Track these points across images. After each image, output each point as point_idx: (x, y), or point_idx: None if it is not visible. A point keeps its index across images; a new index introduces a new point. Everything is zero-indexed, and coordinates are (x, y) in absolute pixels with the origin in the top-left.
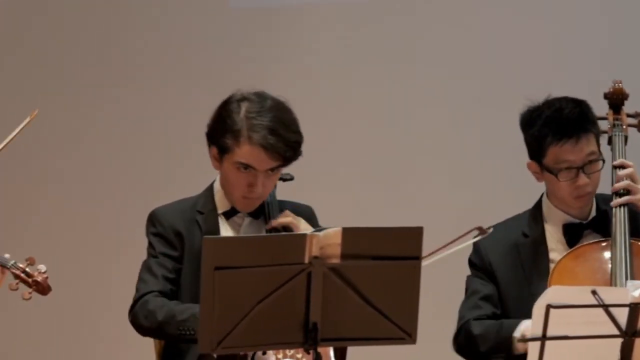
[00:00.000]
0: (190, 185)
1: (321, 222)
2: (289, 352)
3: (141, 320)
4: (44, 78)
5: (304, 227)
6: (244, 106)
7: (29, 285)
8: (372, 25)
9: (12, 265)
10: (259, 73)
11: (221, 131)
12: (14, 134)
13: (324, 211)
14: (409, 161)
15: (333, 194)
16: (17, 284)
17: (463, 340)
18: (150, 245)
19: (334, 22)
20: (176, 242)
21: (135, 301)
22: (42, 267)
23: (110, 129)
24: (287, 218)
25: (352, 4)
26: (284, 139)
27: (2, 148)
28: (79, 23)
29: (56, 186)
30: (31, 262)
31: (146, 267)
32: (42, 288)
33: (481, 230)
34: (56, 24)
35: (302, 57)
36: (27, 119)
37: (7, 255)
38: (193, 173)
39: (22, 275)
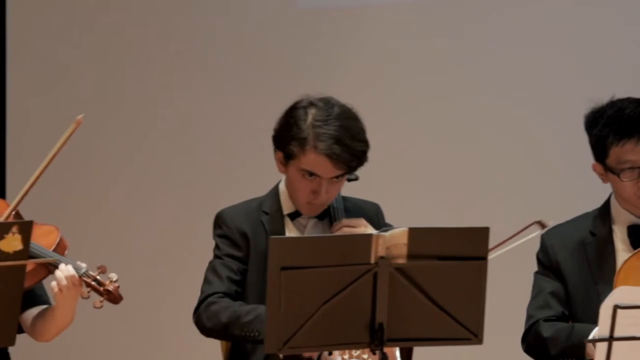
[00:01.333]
0: (256, 187)
1: (387, 220)
2: (355, 353)
3: (205, 321)
4: (104, 80)
5: (362, 227)
6: (311, 113)
7: (101, 294)
8: (441, 25)
9: (84, 273)
10: (327, 73)
11: (287, 137)
12: (62, 140)
13: (389, 210)
14: (472, 160)
15: (398, 192)
16: (88, 292)
17: (532, 341)
18: (217, 246)
19: (401, 22)
20: (242, 243)
21: (200, 302)
22: (114, 276)
23: (176, 131)
24: (341, 224)
25: (421, 3)
26: (350, 148)
27: (53, 156)
28: (143, 25)
29: (125, 192)
30: (102, 270)
31: (211, 269)
32: (114, 297)
33: (541, 224)
34: (119, 27)
35: (369, 58)
36: (73, 126)
37: (79, 263)
38: (259, 174)
39: (94, 283)
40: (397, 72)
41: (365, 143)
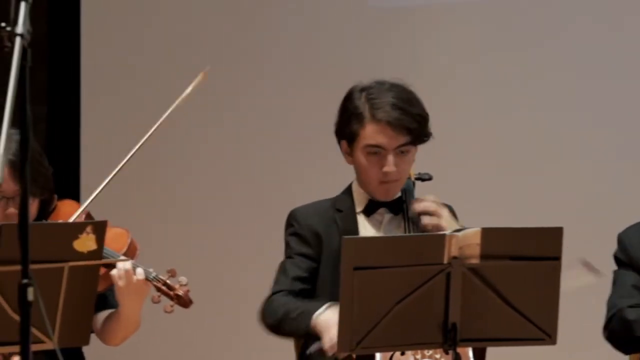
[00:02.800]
0: (329, 188)
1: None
2: (427, 352)
3: (265, 317)
4: (176, 81)
5: (446, 215)
6: (364, 92)
7: (171, 299)
8: (509, 23)
9: (154, 277)
10: (398, 72)
11: (346, 120)
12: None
13: (462, 211)
14: (547, 163)
15: (471, 193)
16: (159, 296)
17: (616, 325)
18: (288, 245)
19: (472, 21)
20: (313, 241)
21: (265, 300)
22: (184, 279)
23: (247, 132)
24: (430, 206)
25: (491, 2)
26: (408, 112)
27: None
28: (212, 24)
29: (194, 194)
30: (172, 274)
31: (281, 268)
32: (184, 301)
33: (588, 265)
34: (189, 26)
35: (440, 57)
36: (199, 78)
37: (149, 269)
38: (332, 175)
39: (164, 288)
40: (470, 72)
41: (423, 110)
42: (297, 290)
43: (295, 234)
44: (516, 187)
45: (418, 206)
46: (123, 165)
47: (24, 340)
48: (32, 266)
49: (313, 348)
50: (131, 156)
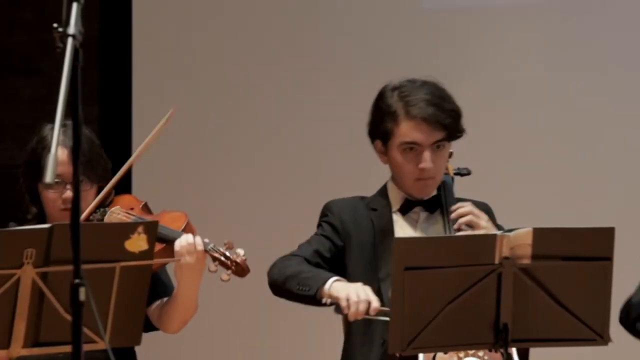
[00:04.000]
0: (365, 189)
1: (498, 219)
2: (471, 351)
3: (274, 271)
4: (227, 78)
5: (484, 224)
6: (396, 90)
7: (227, 267)
8: (565, 25)
9: (212, 248)
10: (451, 74)
11: (379, 119)
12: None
13: (501, 208)
14: (590, 158)
15: (510, 190)
16: (216, 265)
17: (622, 308)
18: (319, 227)
19: (526, 22)
20: (342, 232)
21: (280, 257)
22: (241, 251)
23: (302, 129)
24: (467, 216)
25: (547, 4)
26: (442, 107)
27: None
28: (265, 24)
29: (249, 181)
30: (229, 246)
31: (306, 240)
32: (241, 269)
33: None
34: (241, 26)
35: (495, 58)
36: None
37: (206, 240)
38: (369, 175)
39: (221, 258)
40: (521, 75)
41: (456, 105)
42: (314, 262)
43: (327, 222)
44: (558, 185)
45: (459, 211)
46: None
47: (76, 340)
48: (84, 266)
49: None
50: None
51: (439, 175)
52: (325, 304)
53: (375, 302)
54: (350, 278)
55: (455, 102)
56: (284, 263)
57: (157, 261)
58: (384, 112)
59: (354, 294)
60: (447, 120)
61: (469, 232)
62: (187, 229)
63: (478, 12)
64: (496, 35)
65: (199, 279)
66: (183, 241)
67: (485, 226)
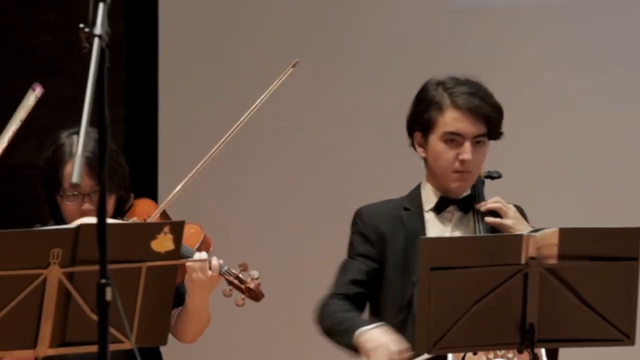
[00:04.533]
0: (399, 189)
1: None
2: (500, 352)
3: (318, 321)
4: (254, 80)
5: (512, 214)
6: (440, 85)
7: (242, 292)
8: (591, 23)
9: (226, 271)
10: (483, 73)
11: (422, 110)
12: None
13: (532, 210)
14: (620, 159)
15: (541, 192)
16: (230, 290)
17: None
18: (351, 244)
19: (555, 21)
20: (376, 241)
21: (320, 302)
22: (255, 273)
23: (324, 131)
24: (496, 204)
25: (578, 6)
26: (487, 101)
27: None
28: (293, 25)
29: (266, 192)
30: (244, 268)
31: (341, 267)
32: (255, 295)
33: None
34: (272, 26)
35: (522, 58)
36: (289, 68)
37: (221, 261)
38: (403, 176)
39: (235, 281)
40: (554, 74)
41: (499, 103)
42: (352, 294)
43: (358, 233)
44: (588, 186)
45: (484, 206)
46: (201, 166)
47: (102, 340)
48: (110, 266)
49: None
50: (209, 157)
51: (476, 171)
52: None
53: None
54: (385, 283)
55: (496, 100)
56: (323, 311)
57: (181, 262)
58: (429, 101)
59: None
60: (491, 114)
61: (497, 220)
62: (204, 243)
63: (508, 10)
64: (522, 35)
65: (208, 297)
66: (197, 258)
67: (513, 216)
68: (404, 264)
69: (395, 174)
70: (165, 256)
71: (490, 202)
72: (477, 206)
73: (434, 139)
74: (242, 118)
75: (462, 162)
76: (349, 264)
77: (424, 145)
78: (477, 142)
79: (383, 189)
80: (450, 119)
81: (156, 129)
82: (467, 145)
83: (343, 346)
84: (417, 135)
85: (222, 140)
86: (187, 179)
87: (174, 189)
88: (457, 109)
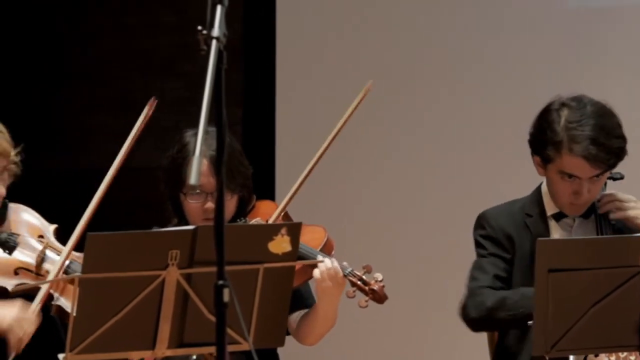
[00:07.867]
0: (520, 188)
1: None
2: (622, 355)
3: (471, 312)
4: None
5: (632, 204)
6: (564, 115)
7: (366, 294)
8: None
9: (349, 273)
10: (598, 73)
11: (543, 142)
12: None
13: None
14: None
15: None
16: (354, 291)
17: None
18: (480, 245)
19: None
20: (507, 244)
21: (466, 297)
22: (379, 276)
23: (440, 132)
24: (611, 204)
25: None
26: (606, 147)
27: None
28: (411, 25)
29: (389, 193)
30: (368, 270)
31: (477, 266)
32: (379, 297)
33: None
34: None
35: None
36: (362, 93)
37: (345, 263)
38: (522, 176)
39: (359, 283)
40: None
41: (622, 139)
42: (497, 287)
43: (487, 237)
44: None
45: (602, 207)
46: (315, 165)
47: (220, 341)
48: (228, 267)
49: None
50: (321, 156)
51: (592, 199)
52: None
53: None
54: (513, 285)
55: (621, 131)
56: (475, 300)
57: (299, 262)
58: (548, 138)
59: None
60: (610, 161)
61: (620, 213)
62: (327, 245)
63: (622, 10)
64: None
65: (338, 300)
66: (323, 267)
67: (634, 207)
68: (530, 266)
69: (513, 176)
70: (282, 258)
71: (605, 200)
72: (601, 203)
73: (552, 170)
74: (341, 121)
75: (577, 197)
76: (485, 262)
77: (543, 168)
78: (596, 176)
79: (500, 190)
80: (567, 163)
81: (273, 131)
82: (584, 184)
83: (516, 316)
84: (537, 158)
85: (328, 140)
86: (300, 179)
87: (291, 190)
88: (574, 156)
